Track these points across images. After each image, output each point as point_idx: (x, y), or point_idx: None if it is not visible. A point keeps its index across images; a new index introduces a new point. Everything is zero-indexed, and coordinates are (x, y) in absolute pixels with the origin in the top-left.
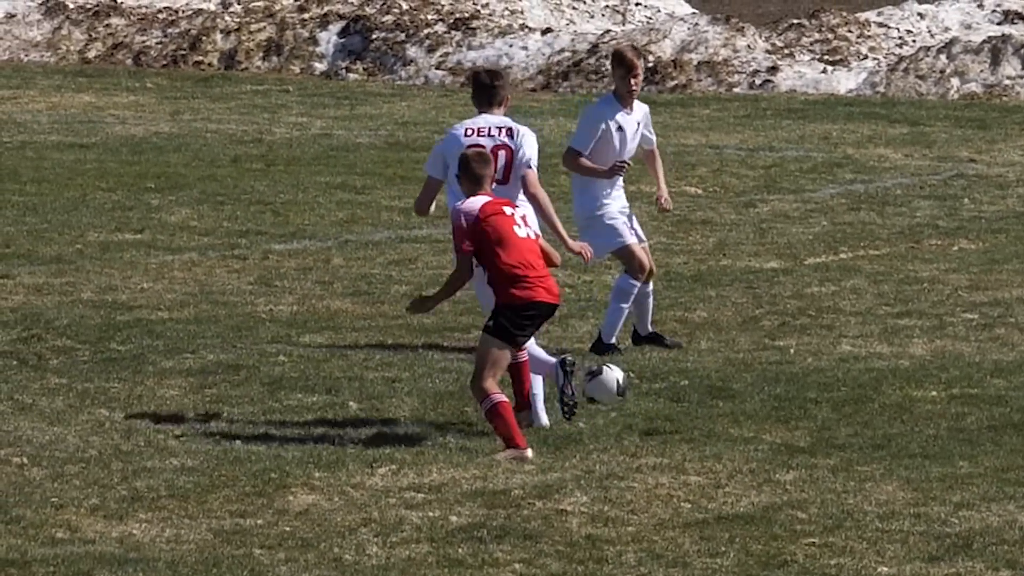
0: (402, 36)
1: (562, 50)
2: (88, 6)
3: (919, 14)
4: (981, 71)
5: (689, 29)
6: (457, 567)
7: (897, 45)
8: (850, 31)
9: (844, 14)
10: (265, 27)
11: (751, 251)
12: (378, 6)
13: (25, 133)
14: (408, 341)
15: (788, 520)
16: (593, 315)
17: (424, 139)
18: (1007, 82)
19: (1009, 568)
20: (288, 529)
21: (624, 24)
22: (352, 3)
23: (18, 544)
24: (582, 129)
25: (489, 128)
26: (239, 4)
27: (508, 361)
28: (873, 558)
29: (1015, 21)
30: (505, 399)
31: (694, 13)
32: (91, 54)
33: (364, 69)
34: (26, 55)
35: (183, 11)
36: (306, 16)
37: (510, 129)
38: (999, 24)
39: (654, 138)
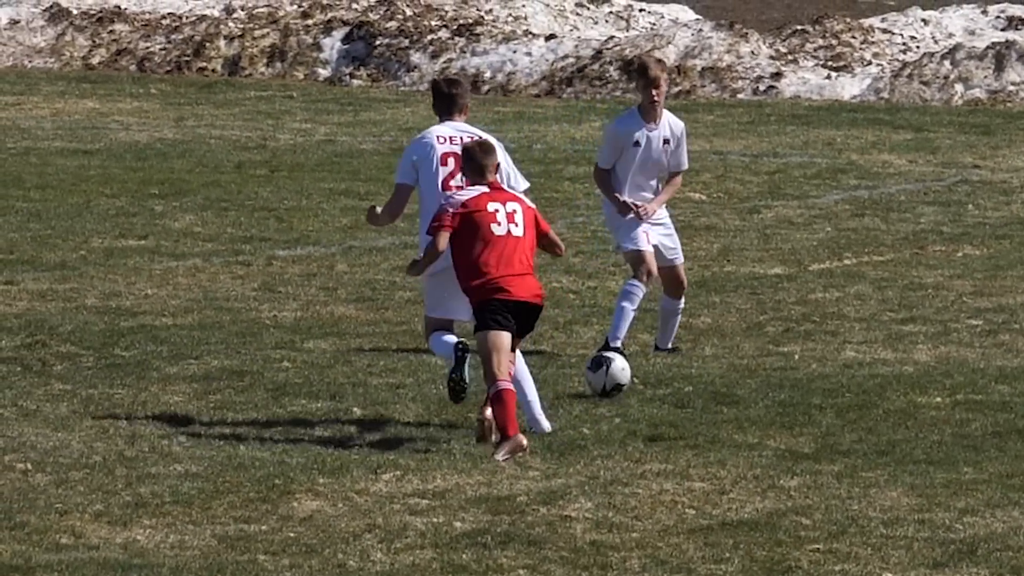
0: (406, 42)
1: (566, 56)
2: (92, 12)
3: (923, 20)
4: (985, 77)
5: (693, 35)
6: (461, 573)
7: (901, 51)
8: (854, 37)
9: (848, 20)
10: (269, 33)
11: (755, 257)
12: (382, 12)
13: (29, 139)
14: (412, 347)
15: (792, 526)
16: (597, 321)
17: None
18: (1011, 88)
19: (1014, 574)
20: (292, 535)
21: (628, 30)
22: (356, 9)
23: (22, 550)
24: (603, 144)
25: (461, 137)
26: (243, 10)
27: (505, 343)
28: (878, 564)
29: (1019, 27)
30: (511, 388)
31: (698, 19)
32: (95, 60)
33: (368, 75)
34: (30, 61)
35: (187, 17)
36: (310, 22)
37: (479, 137)
38: (1003, 30)
39: (684, 163)
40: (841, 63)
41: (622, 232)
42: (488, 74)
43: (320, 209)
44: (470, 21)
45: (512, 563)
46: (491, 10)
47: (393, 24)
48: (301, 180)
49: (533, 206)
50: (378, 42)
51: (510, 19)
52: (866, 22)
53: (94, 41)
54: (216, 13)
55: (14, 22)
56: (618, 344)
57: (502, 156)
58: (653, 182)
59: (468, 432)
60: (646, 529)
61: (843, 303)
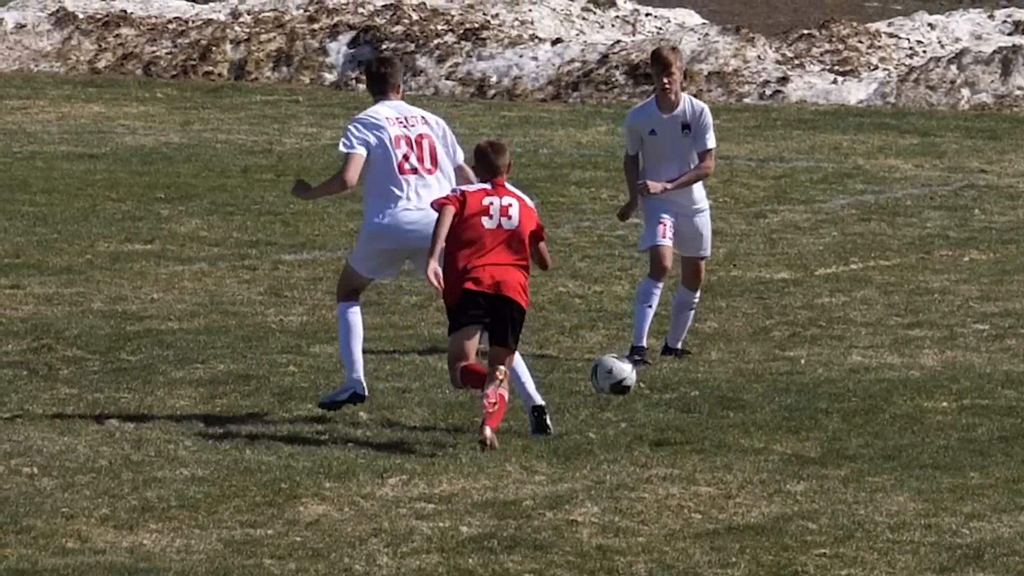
0: (412, 46)
1: (572, 60)
2: (98, 16)
3: (929, 24)
4: (992, 81)
5: (699, 39)
6: None
7: (907, 55)
8: (860, 41)
9: (854, 24)
10: (275, 37)
11: (761, 262)
12: (388, 16)
13: (35, 143)
14: (418, 351)
15: (799, 531)
16: (604, 325)
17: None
18: (1018, 92)
19: None
20: (298, 539)
21: (634, 34)
22: (362, 13)
23: (28, 554)
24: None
25: (406, 118)
26: (249, 15)
27: (469, 343)
28: (884, 569)
29: None
30: (471, 364)
31: (704, 23)
32: (101, 64)
33: None
34: (36, 65)
35: (193, 21)
36: (316, 26)
37: (422, 116)
38: (1010, 35)
39: (707, 142)
40: (847, 68)
41: (644, 229)
42: (494, 78)
43: (326, 213)
44: (476, 25)
45: (518, 567)
46: (497, 14)
47: (399, 28)
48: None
49: (537, 218)
50: (384, 46)
51: (516, 23)
52: (873, 27)
53: (100, 45)
54: (222, 17)
55: (20, 26)
56: (642, 344)
57: (445, 129)
58: (685, 169)
59: (474, 437)
60: (652, 534)
61: (849, 308)
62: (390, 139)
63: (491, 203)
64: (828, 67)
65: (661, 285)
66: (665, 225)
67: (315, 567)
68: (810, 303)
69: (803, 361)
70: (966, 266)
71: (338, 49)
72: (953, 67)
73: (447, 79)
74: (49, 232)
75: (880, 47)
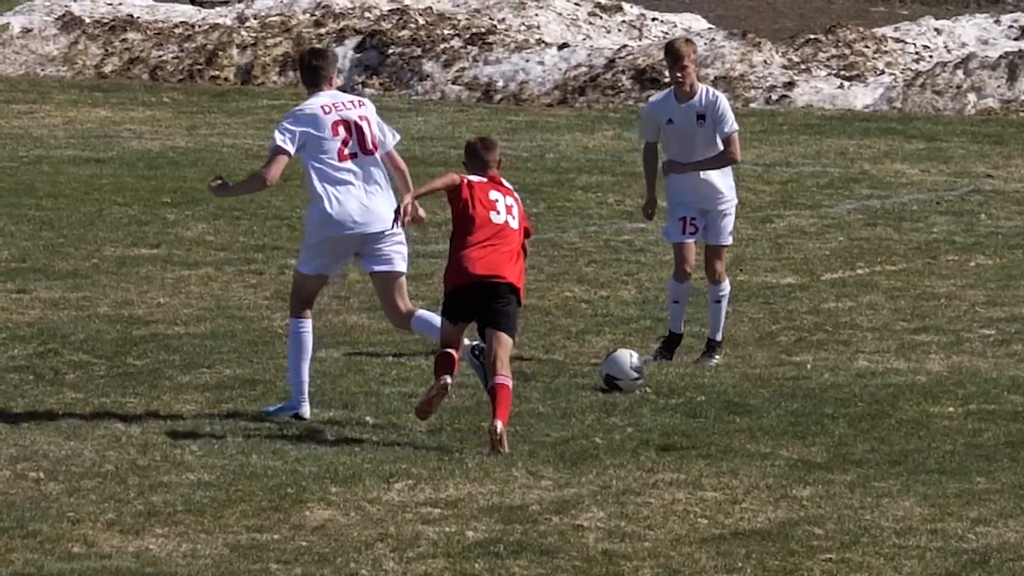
0: (418, 51)
1: (579, 65)
2: (104, 20)
3: (936, 29)
4: (998, 87)
5: (706, 44)
6: None
7: (914, 60)
8: (867, 46)
9: (861, 29)
10: (281, 42)
11: (768, 267)
12: (394, 21)
13: (41, 148)
14: (424, 355)
15: (805, 536)
16: (610, 330)
17: (440, 154)
18: None
19: None
20: (305, 544)
21: (641, 39)
22: (368, 18)
23: (35, 559)
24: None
25: (344, 102)
26: (255, 19)
27: (451, 335)
28: (890, 574)
29: None
30: (450, 352)
31: (711, 28)
32: (107, 69)
33: (380, 84)
34: (42, 69)
35: (199, 26)
36: (322, 31)
37: (355, 101)
38: (1016, 40)
39: (726, 127)
40: (854, 72)
41: (668, 220)
42: (501, 83)
43: None
44: (483, 30)
45: (524, 572)
46: (504, 19)
47: (406, 33)
48: None
49: (525, 216)
50: (390, 51)
51: (523, 28)
52: (879, 31)
53: (107, 50)
54: (229, 22)
55: (27, 30)
56: (679, 331)
57: (373, 114)
58: (703, 156)
59: (480, 442)
60: (658, 539)
61: (855, 313)
62: (327, 128)
63: (497, 199)
64: (834, 72)
65: (687, 284)
66: (685, 221)
67: (321, 572)
68: (816, 308)
69: (809, 366)
70: (972, 271)
71: (344, 54)
72: (959, 72)
73: (453, 84)
74: (55, 236)
75: (886, 52)
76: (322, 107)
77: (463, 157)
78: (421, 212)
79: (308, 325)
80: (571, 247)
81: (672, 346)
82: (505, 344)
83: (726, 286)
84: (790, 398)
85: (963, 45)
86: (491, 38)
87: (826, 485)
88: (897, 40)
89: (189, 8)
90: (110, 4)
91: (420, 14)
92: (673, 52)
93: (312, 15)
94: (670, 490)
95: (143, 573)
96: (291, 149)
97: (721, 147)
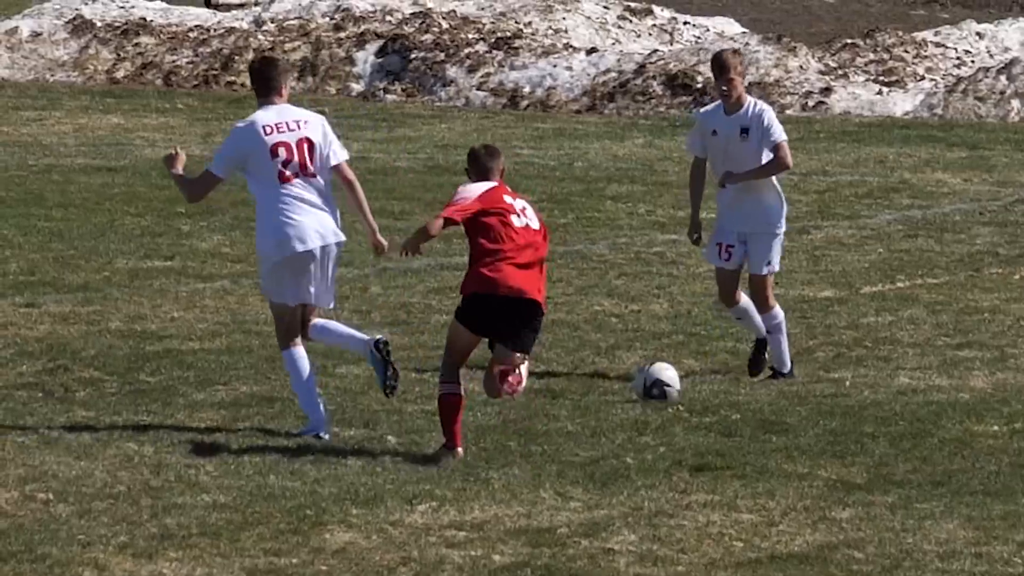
0: (442, 56)
1: (608, 71)
2: (116, 24)
3: (978, 34)
4: None
5: (739, 49)
6: None
7: (955, 66)
8: (906, 51)
9: (900, 33)
10: (300, 46)
11: (804, 279)
12: (417, 25)
13: (51, 156)
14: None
15: (844, 560)
16: (641, 346)
17: (465, 162)
18: None
19: None
20: (324, 568)
21: (672, 44)
22: (390, 22)
23: None
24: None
25: (287, 122)
26: (273, 23)
27: (468, 345)
28: None
29: None
30: (457, 394)
31: (745, 32)
32: (119, 74)
33: (402, 90)
34: (52, 75)
35: (215, 29)
36: (342, 35)
37: (305, 120)
38: None
39: (773, 137)
40: (893, 78)
41: (710, 240)
42: (527, 89)
43: (353, 229)
44: (508, 34)
45: None
46: (530, 23)
47: (429, 37)
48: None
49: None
50: (413, 56)
51: (550, 32)
52: (919, 36)
53: (119, 54)
54: (245, 25)
55: (36, 34)
56: (763, 336)
57: (325, 128)
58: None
59: (507, 461)
60: (692, 563)
61: (896, 328)
62: (266, 150)
63: (512, 203)
64: (873, 77)
65: (738, 307)
66: (722, 246)
67: None
68: (855, 323)
69: (848, 383)
70: (1017, 284)
71: (365, 58)
72: (1003, 77)
73: (478, 89)
74: (65, 248)
75: (927, 57)
76: (264, 127)
77: (465, 164)
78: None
79: (300, 351)
80: (600, 259)
81: (760, 352)
82: (520, 362)
83: (775, 314)
84: (828, 416)
85: (1006, 50)
86: (517, 42)
87: (866, 507)
88: (938, 45)
89: (204, 11)
90: (122, 7)
91: (444, 17)
92: (719, 63)
93: (331, 18)
94: (704, 512)
95: None
96: (221, 175)
97: (766, 158)
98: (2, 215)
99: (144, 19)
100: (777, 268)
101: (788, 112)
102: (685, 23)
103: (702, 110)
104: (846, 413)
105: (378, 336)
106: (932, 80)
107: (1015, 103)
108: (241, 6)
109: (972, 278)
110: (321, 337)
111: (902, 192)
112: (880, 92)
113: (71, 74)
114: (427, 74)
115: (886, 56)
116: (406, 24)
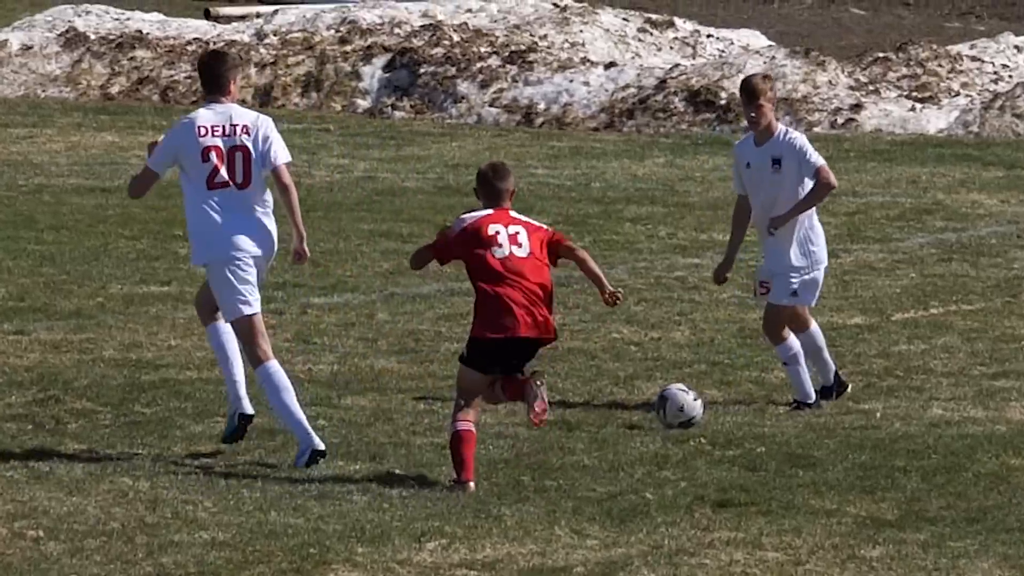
0: (453, 70)
1: (627, 86)
2: (111, 37)
3: (1016, 47)
4: None
5: (765, 63)
6: None
7: (992, 80)
8: (940, 65)
9: (934, 47)
10: (304, 60)
11: (833, 306)
12: (427, 38)
13: (42, 175)
14: None
15: None
16: (661, 375)
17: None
18: None
19: None
20: None
21: (695, 58)
22: (398, 35)
23: None
24: None
25: (224, 127)
26: (275, 35)
27: (482, 386)
28: None
29: None
30: (469, 429)
31: (771, 46)
32: (114, 89)
33: (411, 106)
34: (43, 90)
35: (214, 43)
36: (348, 48)
37: (245, 126)
38: None
39: (812, 162)
40: (927, 94)
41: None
42: (542, 105)
43: (359, 252)
44: (523, 48)
45: None
46: (545, 35)
47: (439, 51)
48: (338, 221)
49: (546, 229)
50: (422, 70)
51: (566, 45)
52: (954, 49)
53: (113, 69)
54: (246, 38)
55: (26, 48)
56: (829, 382)
57: (267, 133)
58: (784, 206)
59: (520, 497)
60: None
61: (929, 356)
62: (198, 152)
63: (497, 232)
64: (905, 93)
65: (805, 333)
66: (759, 282)
67: None
68: (886, 351)
69: (879, 415)
70: None
71: (372, 73)
72: None
73: (491, 106)
74: (57, 273)
75: (962, 71)
76: (200, 127)
77: (475, 185)
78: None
79: (219, 326)
80: (619, 284)
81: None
82: (543, 386)
83: (786, 348)
84: (858, 449)
85: None
86: (532, 56)
87: (897, 545)
88: (974, 59)
89: (203, 23)
90: (117, 19)
91: (455, 30)
92: (748, 89)
93: (337, 31)
94: (727, 550)
95: None
96: (157, 171)
97: (803, 189)
98: None
99: (140, 32)
100: (804, 301)
101: (816, 130)
102: (708, 36)
103: (736, 144)
104: (876, 446)
105: (320, 446)
106: (968, 96)
107: None
108: (242, 18)
109: (1009, 304)
110: (264, 385)
111: (936, 214)
112: (913, 109)
113: (63, 89)
114: (437, 90)
115: (919, 71)
116: (415, 37)
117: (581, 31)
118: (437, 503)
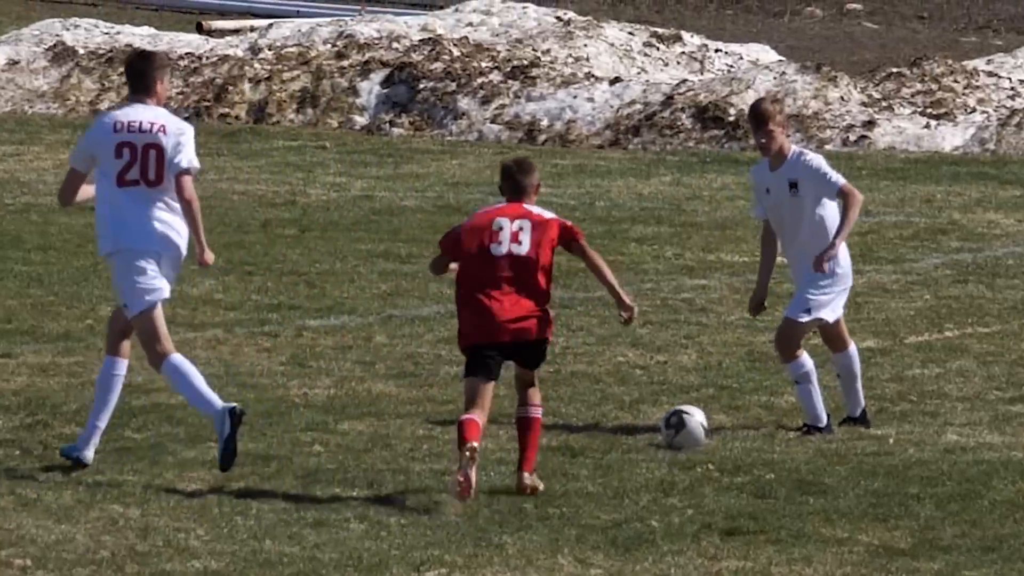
0: (453, 86)
1: (632, 102)
2: (100, 52)
3: None
4: None
5: (775, 78)
6: None
7: (1009, 96)
8: (956, 81)
9: (949, 62)
10: (299, 76)
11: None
12: (426, 52)
13: (29, 194)
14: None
15: None
16: (667, 399)
17: (478, 201)
18: None
19: None
20: None
21: (702, 73)
22: (396, 49)
23: None
24: None
25: (141, 123)
26: (270, 50)
27: (482, 390)
28: None
29: None
30: (471, 418)
31: (781, 61)
32: (104, 105)
33: (410, 123)
34: (31, 106)
35: (207, 57)
36: (345, 63)
37: (164, 125)
38: None
39: (834, 182)
40: (942, 110)
41: None
42: (545, 122)
43: (356, 273)
44: (525, 62)
45: None
46: (548, 50)
47: (439, 66)
48: (335, 241)
49: (559, 225)
50: (422, 86)
51: (570, 60)
52: (970, 64)
53: (103, 84)
54: (240, 53)
55: (13, 62)
56: (853, 414)
57: (181, 138)
58: (807, 232)
59: (522, 525)
60: None
61: (944, 380)
62: (111, 148)
63: (501, 227)
64: (920, 110)
65: (840, 354)
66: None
67: None
68: (900, 375)
69: (892, 440)
70: None
71: (370, 89)
72: None
73: (492, 123)
74: (45, 294)
75: (978, 87)
76: (115, 123)
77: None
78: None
79: (112, 360)
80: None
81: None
82: (534, 374)
83: (797, 365)
84: (870, 476)
85: None
86: (534, 71)
87: (910, 574)
88: (990, 74)
89: (195, 37)
90: (106, 33)
91: (455, 44)
92: (756, 115)
93: (333, 45)
94: None
95: None
96: (79, 168)
97: (823, 211)
98: None
99: (130, 46)
100: (821, 318)
101: (828, 147)
102: (716, 50)
103: (752, 169)
104: (889, 473)
105: (235, 404)
106: (984, 112)
107: None
108: (236, 32)
109: None
110: (172, 378)
111: (951, 234)
112: (927, 125)
113: (51, 105)
114: (437, 106)
115: (934, 86)
116: (414, 52)
117: (585, 45)
118: (436, 531)
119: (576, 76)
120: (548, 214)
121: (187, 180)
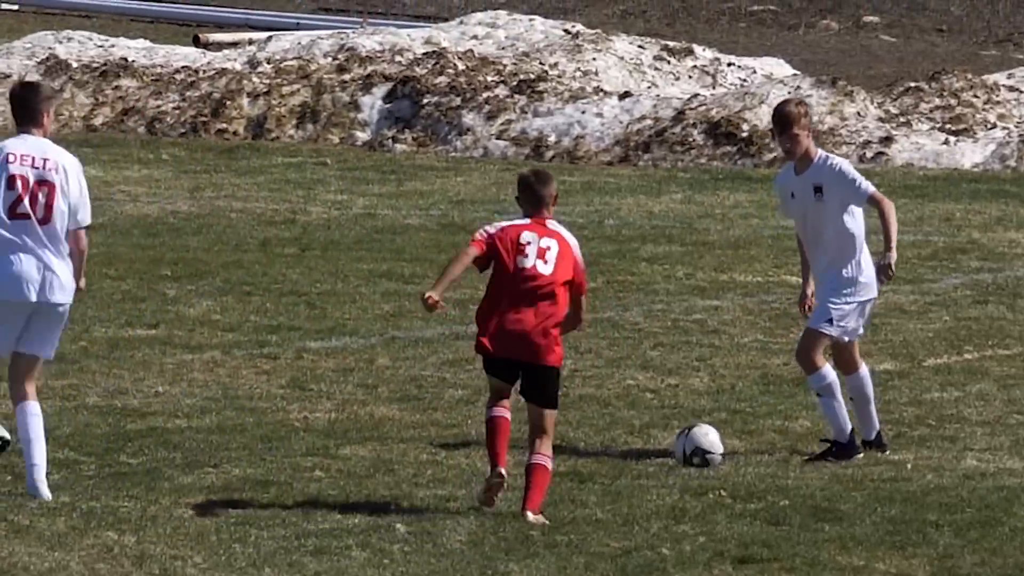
0: (457, 101)
1: (643, 117)
2: (94, 65)
3: None
4: None
5: (790, 93)
6: None
7: None
8: (976, 96)
9: (969, 77)
10: (299, 90)
11: (862, 350)
12: (430, 66)
13: None
14: (464, 453)
15: None
16: (679, 423)
17: (483, 219)
18: None
19: None
20: None
21: (715, 87)
22: (400, 63)
23: None
24: None
25: (34, 158)
26: (269, 63)
27: (502, 386)
28: None
29: None
30: (501, 416)
31: (795, 75)
32: (98, 120)
33: (413, 139)
34: None
35: (204, 71)
36: (346, 78)
37: (57, 164)
38: None
39: (863, 190)
40: (961, 126)
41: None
42: (553, 138)
43: (358, 294)
44: (532, 76)
45: None
46: (556, 64)
47: (443, 80)
48: (336, 260)
49: (579, 263)
50: (425, 101)
51: (578, 74)
52: (990, 79)
53: (97, 98)
54: (238, 67)
55: (5, 76)
56: (868, 437)
57: (81, 180)
58: (831, 237)
59: (529, 552)
60: None
61: (963, 404)
62: (6, 178)
63: (529, 241)
64: (938, 125)
65: (853, 376)
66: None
67: None
68: (918, 398)
69: (909, 466)
70: None
71: (372, 104)
72: None
73: (498, 139)
74: None
75: (999, 102)
76: (9, 154)
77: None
78: None
79: (25, 406)
80: (634, 328)
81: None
82: (545, 418)
83: (819, 377)
84: (887, 503)
85: None
86: (542, 86)
87: None
88: (1011, 89)
89: (192, 51)
90: (101, 46)
91: (459, 58)
92: (781, 117)
93: (334, 59)
94: None
95: None
96: None
97: (848, 217)
98: None
99: (125, 59)
100: (842, 332)
101: None
102: (729, 64)
103: (776, 177)
104: (907, 499)
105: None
106: (1004, 128)
107: None
108: (234, 45)
109: None
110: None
111: (970, 253)
112: (946, 142)
113: None
114: (441, 121)
115: (953, 101)
116: (418, 65)
117: (594, 59)
118: (441, 559)
119: (584, 91)
120: (574, 242)
121: (83, 234)
